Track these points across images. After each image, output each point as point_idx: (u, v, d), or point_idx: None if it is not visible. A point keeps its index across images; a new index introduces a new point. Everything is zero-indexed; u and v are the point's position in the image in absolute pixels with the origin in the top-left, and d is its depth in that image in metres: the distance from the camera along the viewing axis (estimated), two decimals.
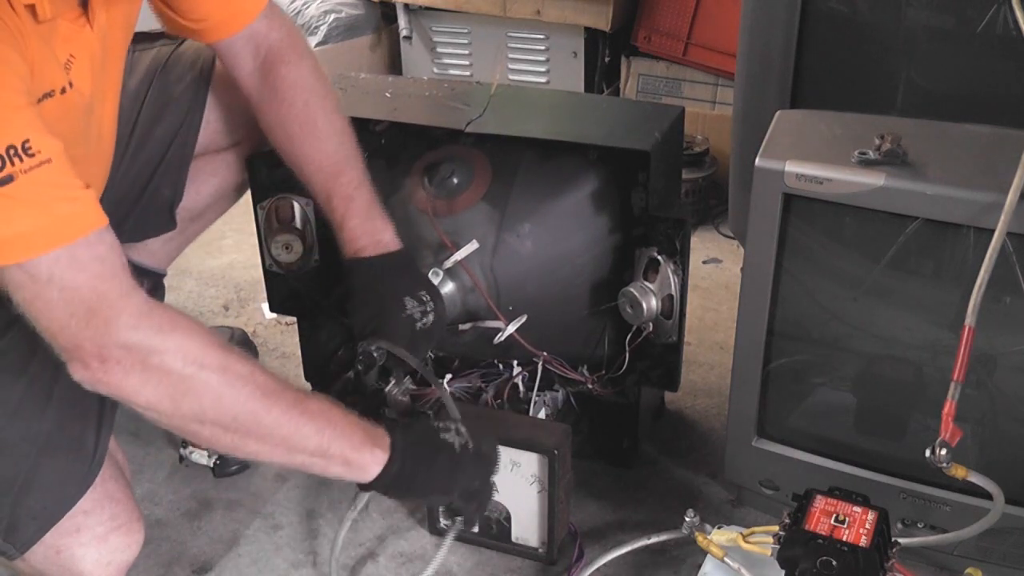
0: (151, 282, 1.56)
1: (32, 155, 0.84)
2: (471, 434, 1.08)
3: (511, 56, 2.55)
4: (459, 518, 1.14)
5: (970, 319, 0.97)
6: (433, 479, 1.05)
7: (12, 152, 0.83)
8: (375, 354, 1.25)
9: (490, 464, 1.11)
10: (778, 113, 1.19)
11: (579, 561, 1.26)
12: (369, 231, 1.22)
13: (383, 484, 1.02)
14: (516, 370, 1.41)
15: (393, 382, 1.37)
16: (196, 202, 1.45)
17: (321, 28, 2.52)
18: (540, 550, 1.27)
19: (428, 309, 1.22)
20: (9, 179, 0.83)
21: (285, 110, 1.23)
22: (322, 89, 1.26)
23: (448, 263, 1.30)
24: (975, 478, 1.03)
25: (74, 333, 0.89)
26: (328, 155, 1.23)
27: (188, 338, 0.92)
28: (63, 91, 1.00)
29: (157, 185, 1.36)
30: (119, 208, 1.22)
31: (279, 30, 1.24)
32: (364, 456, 1.00)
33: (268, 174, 1.44)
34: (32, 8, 0.93)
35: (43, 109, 0.97)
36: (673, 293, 1.27)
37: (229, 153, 1.44)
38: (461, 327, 1.35)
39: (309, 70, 1.25)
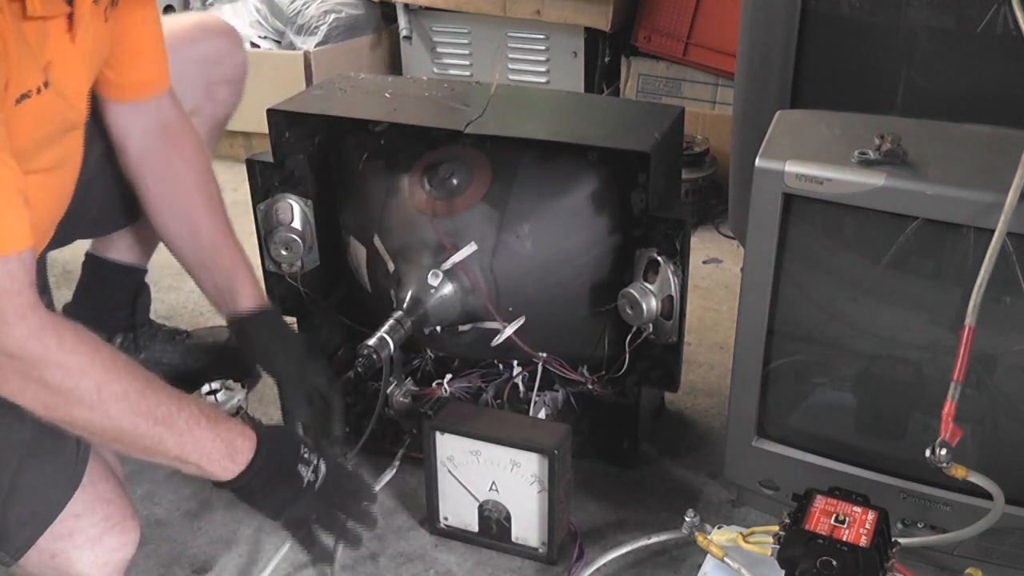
0: (134, 282, 1.56)
1: None
2: (327, 476, 1.12)
3: (511, 56, 2.55)
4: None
5: (970, 319, 0.97)
6: (273, 500, 1.10)
7: None
8: (375, 355, 1.26)
9: (336, 500, 1.14)
10: (778, 113, 1.19)
11: (579, 561, 1.26)
12: (253, 294, 1.32)
13: (228, 488, 1.08)
14: (516, 370, 1.41)
15: (394, 383, 1.37)
16: None
17: (321, 28, 2.52)
18: (540, 550, 1.27)
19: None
20: None
21: (180, 192, 1.31)
22: (209, 176, 1.33)
23: (447, 264, 1.30)
24: (975, 478, 1.02)
25: None
26: (209, 238, 1.31)
27: (72, 355, 0.95)
28: (39, 91, 0.99)
29: (118, 174, 1.35)
30: (80, 202, 1.22)
31: (176, 111, 1.30)
32: (215, 468, 1.05)
33: (267, 174, 1.44)
34: (22, 3, 0.93)
35: (20, 111, 0.97)
36: (673, 294, 1.27)
37: None
38: (461, 328, 1.35)
39: (197, 153, 1.32)
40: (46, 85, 1.00)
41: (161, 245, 1.56)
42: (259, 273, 1.49)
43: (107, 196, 1.36)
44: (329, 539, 1.16)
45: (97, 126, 1.25)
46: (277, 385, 1.33)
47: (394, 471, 1.39)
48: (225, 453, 1.05)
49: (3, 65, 0.92)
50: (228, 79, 1.47)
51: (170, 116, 1.30)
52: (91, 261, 1.55)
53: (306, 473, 1.10)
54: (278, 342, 1.31)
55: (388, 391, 1.36)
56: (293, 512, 1.11)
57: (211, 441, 1.04)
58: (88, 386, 0.95)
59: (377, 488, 1.37)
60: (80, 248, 1.52)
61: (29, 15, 0.94)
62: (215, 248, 1.31)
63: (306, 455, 1.11)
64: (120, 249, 1.53)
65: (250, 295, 1.31)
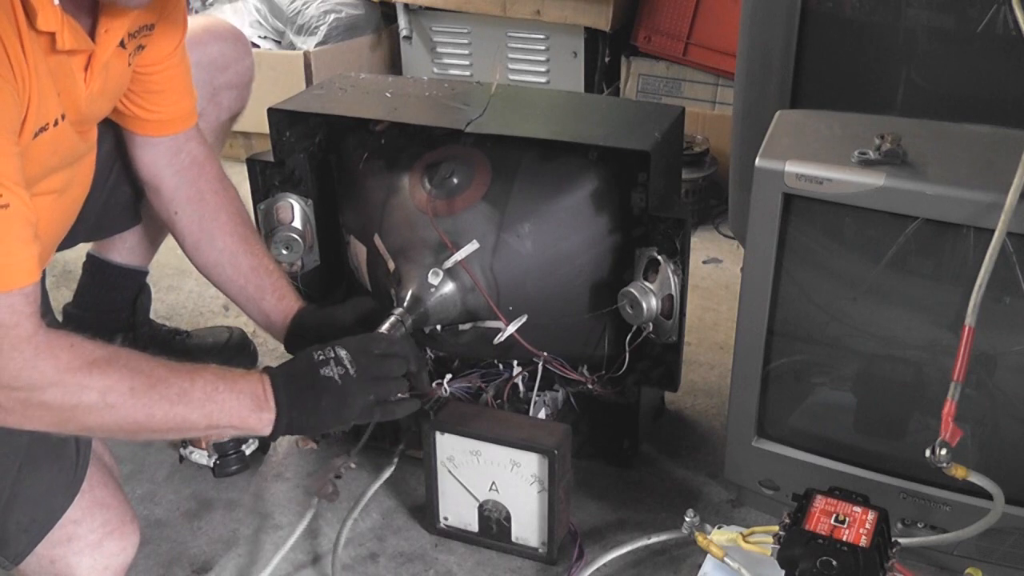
0: (135, 283, 1.57)
1: None
2: (352, 357, 1.09)
3: (511, 56, 2.55)
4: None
5: (970, 319, 0.97)
6: (323, 417, 1.08)
7: None
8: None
9: (378, 376, 1.11)
10: (778, 113, 1.20)
11: (579, 561, 1.26)
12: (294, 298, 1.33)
13: (280, 433, 1.07)
14: (516, 370, 1.41)
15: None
16: None
17: (321, 28, 2.52)
18: (540, 550, 1.27)
19: None
20: None
21: (215, 223, 1.32)
22: (237, 201, 1.35)
23: (448, 263, 1.30)
24: (975, 478, 1.03)
25: None
26: (249, 268, 1.33)
27: (68, 374, 0.95)
28: (55, 123, 1.01)
29: (117, 181, 1.36)
30: (84, 207, 1.22)
31: (200, 143, 1.32)
32: (252, 422, 1.05)
33: (268, 174, 1.44)
34: (52, 36, 0.94)
35: (37, 143, 0.98)
36: (673, 293, 1.27)
37: None
38: (461, 327, 1.35)
39: (225, 184, 1.34)
40: (63, 118, 1.01)
41: (162, 246, 1.57)
42: None
43: (108, 201, 1.37)
44: (405, 397, 1.13)
45: (100, 134, 1.25)
46: None
47: (393, 468, 1.39)
48: (252, 406, 1.04)
49: (26, 100, 0.94)
50: (234, 84, 1.47)
51: (196, 149, 1.31)
52: (92, 262, 1.55)
53: (333, 371, 1.07)
54: (329, 326, 1.28)
55: None
56: (350, 412, 1.08)
57: (235, 400, 1.03)
58: (91, 397, 0.95)
59: (376, 486, 1.37)
60: (81, 249, 1.52)
61: (58, 48, 0.95)
62: (255, 274, 1.32)
63: (320, 356, 1.09)
64: (121, 251, 1.53)
65: (295, 308, 1.32)
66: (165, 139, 1.28)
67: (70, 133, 1.05)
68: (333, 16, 2.54)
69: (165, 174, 1.30)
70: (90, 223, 1.34)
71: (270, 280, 1.32)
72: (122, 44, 1.08)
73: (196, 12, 2.68)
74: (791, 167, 1.08)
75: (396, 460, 1.40)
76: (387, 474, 1.39)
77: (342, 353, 1.09)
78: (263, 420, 1.05)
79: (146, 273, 1.58)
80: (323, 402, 1.07)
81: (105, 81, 1.08)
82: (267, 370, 1.08)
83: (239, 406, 1.04)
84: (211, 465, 1.38)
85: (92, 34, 1.02)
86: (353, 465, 1.33)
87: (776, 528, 1.05)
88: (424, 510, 1.33)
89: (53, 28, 0.93)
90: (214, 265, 1.32)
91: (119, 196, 1.38)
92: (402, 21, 2.63)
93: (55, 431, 0.97)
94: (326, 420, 1.08)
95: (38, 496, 1.03)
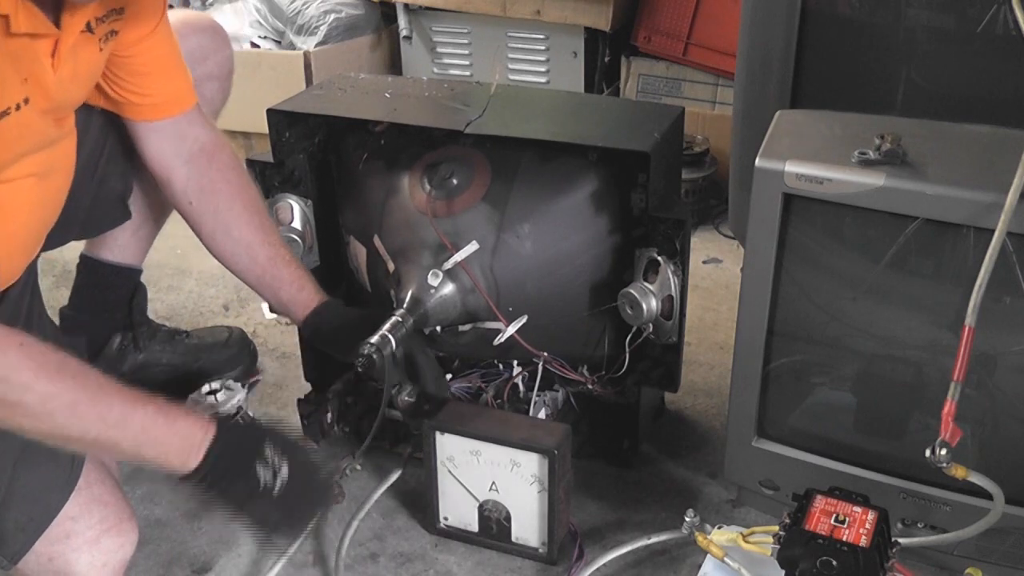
0: (130, 282, 1.56)
1: None
2: (288, 481, 1.09)
3: (511, 56, 2.55)
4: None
5: (970, 319, 0.97)
6: (226, 497, 1.08)
7: None
8: (376, 354, 1.26)
9: (294, 511, 1.12)
10: (778, 113, 1.19)
11: (579, 561, 1.26)
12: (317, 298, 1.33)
13: (187, 483, 1.06)
14: (516, 370, 1.41)
15: (398, 383, 1.37)
16: (152, 189, 1.43)
17: (321, 28, 2.52)
18: (540, 550, 1.27)
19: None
20: None
21: (227, 219, 1.32)
22: (251, 188, 1.35)
23: (448, 264, 1.30)
24: (975, 478, 1.03)
25: None
26: (265, 256, 1.33)
27: (14, 371, 0.95)
28: (17, 108, 0.99)
29: (104, 175, 1.35)
30: (70, 204, 1.22)
31: (206, 127, 1.32)
32: (175, 463, 1.04)
33: (267, 174, 1.44)
34: (6, 19, 0.92)
35: (2, 126, 0.97)
36: (673, 294, 1.27)
37: None
38: (461, 328, 1.35)
39: (238, 171, 1.34)
40: (26, 102, 1.00)
41: (156, 244, 1.57)
42: None
43: (97, 196, 1.36)
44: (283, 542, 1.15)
45: (83, 128, 1.25)
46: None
47: (399, 474, 1.39)
48: (182, 448, 1.03)
49: None
50: (214, 75, 1.46)
51: (203, 135, 1.31)
52: (85, 263, 1.55)
53: (264, 474, 1.07)
54: (347, 329, 1.30)
55: (393, 391, 1.36)
56: (252, 511, 1.09)
57: (167, 438, 1.02)
58: (32, 399, 0.95)
59: (382, 490, 1.37)
60: (78, 249, 1.52)
61: (13, 31, 0.93)
62: (273, 265, 1.32)
63: (268, 455, 1.08)
64: (114, 250, 1.52)
65: (315, 300, 1.32)
66: (166, 123, 1.27)
67: (36, 118, 1.03)
68: (333, 16, 2.54)
69: (174, 164, 1.30)
70: (80, 219, 1.34)
71: (288, 271, 1.32)
72: (89, 29, 1.06)
73: (196, 11, 2.68)
74: (791, 167, 1.08)
75: (404, 466, 1.40)
76: (394, 478, 1.39)
77: (284, 471, 1.08)
78: (185, 465, 1.04)
79: (140, 271, 1.58)
80: (236, 487, 1.07)
81: (75, 66, 1.06)
82: (218, 425, 1.06)
83: (169, 445, 1.03)
84: None
85: (58, 20, 1.00)
86: (359, 467, 1.33)
87: (776, 528, 1.05)
88: (424, 510, 1.33)
89: (6, 11, 0.91)
90: (231, 255, 1.33)
91: (107, 191, 1.38)
92: (402, 21, 2.63)
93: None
94: (227, 502, 1.08)
95: (34, 493, 1.03)
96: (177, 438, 1.03)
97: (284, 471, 1.08)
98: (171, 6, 2.62)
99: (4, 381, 0.93)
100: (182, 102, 1.28)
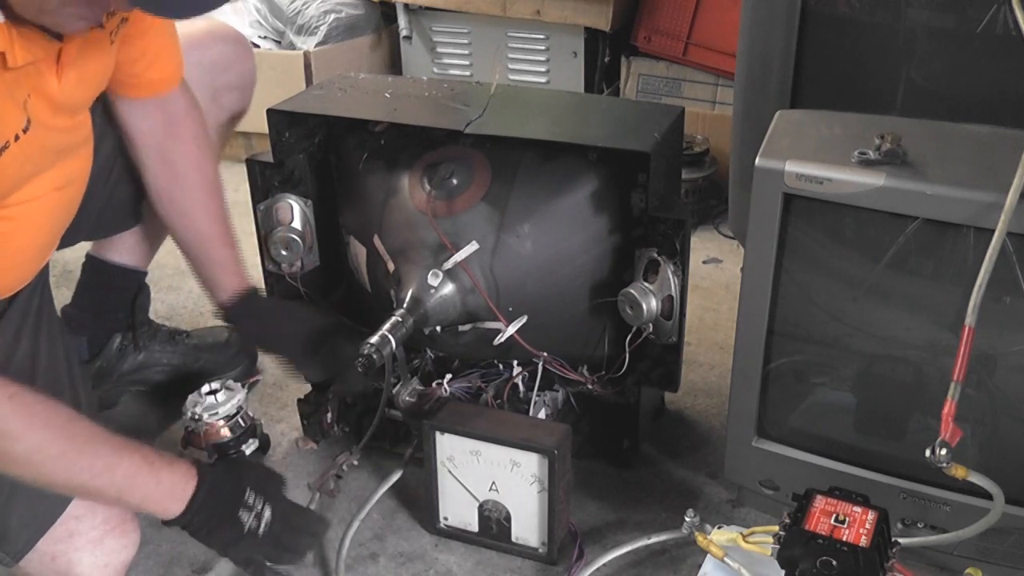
0: (134, 284, 1.57)
1: None
2: (272, 519, 1.13)
3: (511, 56, 2.55)
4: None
5: (970, 319, 0.97)
6: (213, 542, 1.12)
7: None
8: (376, 354, 1.26)
9: (276, 550, 1.14)
10: (778, 113, 1.19)
11: (579, 561, 1.26)
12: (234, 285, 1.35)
13: (175, 526, 1.10)
14: (516, 370, 1.41)
15: (399, 383, 1.37)
16: None
17: (321, 28, 2.52)
18: (540, 550, 1.27)
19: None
20: None
21: (178, 183, 1.33)
22: (206, 170, 1.35)
23: (448, 264, 1.30)
24: (975, 478, 1.02)
25: None
26: (202, 232, 1.34)
27: (3, 421, 0.97)
28: (16, 138, 0.98)
29: (118, 179, 1.36)
30: (83, 207, 1.22)
31: (183, 100, 1.32)
32: (158, 509, 1.08)
33: (267, 174, 1.44)
34: (2, 56, 0.91)
35: (2, 162, 0.97)
36: (673, 294, 1.27)
37: None
38: (461, 328, 1.35)
39: (197, 146, 1.34)
40: (24, 131, 0.99)
41: (162, 247, 1.57)
42: (259, 273, 1.49)
43: (109, 201, 1.37)
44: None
45: (100, 134, 1.25)
46: (284, 364, 1.36)
47: (400, 474, 1.39)
48: (166, 495, 1.07)
49: None
50: (235, 85, 1.47)
51: (177, 109, 1.31)
52: (91, 262, 1.55)
53: (247, 519, 1.11)
54: (265, 321, 1.33)
55: (393, 391, 1.36)
56: (237, 553, 1.13)
57: (153, 487, 1.06)
58: (20, 449, 0.97)
59: (382, 491, 1.37)
60: (81, 249, 1.52)
61: (10, 67, 0.93)
62: (205, 241, 1.33)
63: (250, 500, 1.12)
64: (121, 251, 1.53)
65: (231, 287, 1.33)
66: (147, 100, 1.28)
67: (41, 137, 1.02)
68: (333, 16, 2.54)
69: (141, 130, 1.30)
70: (91, 221, 1.34)
71: (223, 252, 1.33)
72: (99, 23, 1.04)
73: None
74: (791, 167, 1.08)
75: (404, 466, 1.40)
76: (394, 478, 1.39)
77: (267, 513, 1.12)
78: (168, 511, 1.07)
79: (145, 274, 1.58)
80: (220, 532, 1.10)
81: (82, 69, 1.05)
82: (200, 470, 1.10)
83: (153, 493, 1.06)
84: (212, 465, 1.38)
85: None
86: (355, 462, 1.33)
87: (776, 528, 1.05)
88: (424, 510, 1.33)
89: (1, 48, 0.90)
90: (172, 222, 1.34)
91: (120, 195, 1.38)
92: (402, 21, 2.63)
93: None
94: (216, 543, 1.12)
95: (38, 492, 1.03)
96: (160, 488, 1.06)
97: (267, 514, 1.12)
98: None
99: None
100: (172, 81, 1.29)
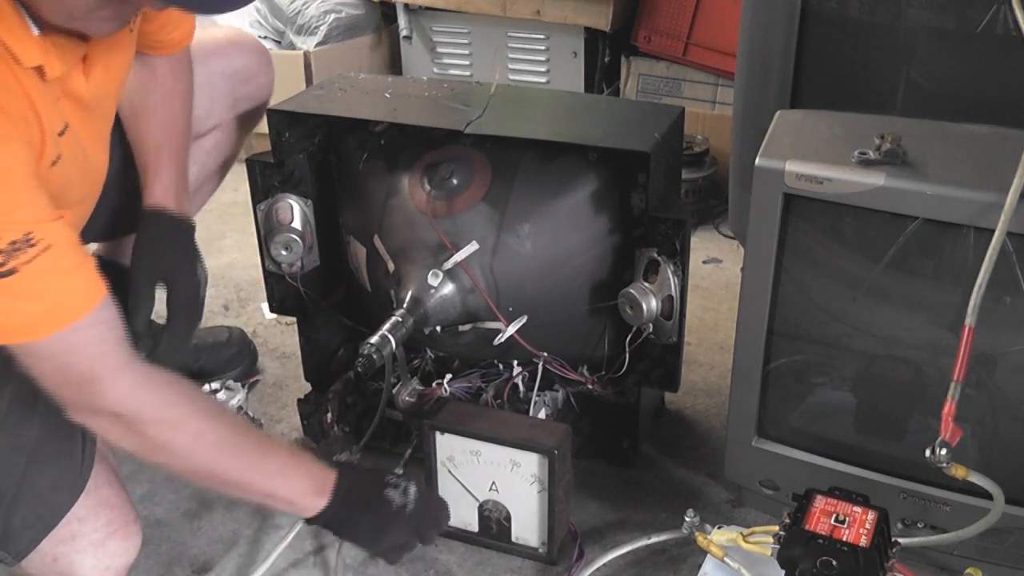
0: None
1: (34, 244, 0.88)
2: (418, 497, 1.15)
3: (511, 56, 2.55)
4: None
5: (970, 319, 0.97)
6: (360, 532, 1.13)
7: (14, 246, 0.87)
8: (376, 354, 1.26)
9: (425, 526, 1.16)
10: (778, 113, 1.19)
11: (579, 561, 1.26)
12: (176, 197, 1.29)
13: (318, 522, 1.11)
14: (516, 370, 1.41)
15: (399, 383, 1.37)
16: None
17: (321, 28, 2.52)
18: (540, 550, 1.27)
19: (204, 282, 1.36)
20: (11, 272, 0.87)
21: (151, 85, 1.28)
22: (184, 87, 1.31)
23: (448, 264, 1.30)
24: (975, 478, 1.03)
25: (67, 396, 0.96)
26: (160, 134, 1.29)
27: (171, 409, 0.99)
28: (61, 133, 0.99)
29: (128, 181, 1.36)
30: (98, 210, 1.22)
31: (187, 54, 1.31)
32: (306, 503, 1.09)
33: (267, 174, 1.44)
34: (40, 69, 0.92)
35: (53, 174, 0.98)
36: (673, 294, 1.27)
37: (206, 139, 1.44)
38: (461, 328, 1.35)
39: (184, 69, 1.31)
40: (65, 129, 1.00)
41: None
42: (258, 273, 1.49)
43: (119, 203, 1.36)
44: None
45: (116, 139, 1.25)
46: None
47: (401, 472, 1.39)
48: (312, 488, 1.09)
49: (38, 136, 0.94)
50: (253, 97, 1.47)
51: (182, 55, 1.29)
52: (100, 264, 1.55)
53: (395, 496, 1.12)
54: (147, 243, 1.28)
55: (393, 391, 1.36)
56: (388, 537, 1.13)
57: (298, 479, 1.08)
58: (184, 439, 1.00)
59: None
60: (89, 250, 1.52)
61: (48, 79, 0.94)
62: (147, 144, 1.28)
63: (391, 479, 1.14)
64: (129, 254, 1.52)
65: (151, 200, 1.28)
66: (157, 57, 1.26)
67: (73, 144, 1.03)
68: (333, 16, 2.54)
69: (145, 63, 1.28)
70: (100, 224, 1.34)
71: (159, 161, 1.28)
72: None
73: None
74: (791, 167, 1.08)
75: (404, 466, 1.40)
76: None
77: (412, 489, 1.14)
78: (315, 504, 1.09)
79: None
80: (369, 517, 1.12)
81: (107, 63, 1.06)
82: (338, 466, 1.12)
83: (301, 486, 1.08)
84: None
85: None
86: (355, 462, 1.33)
87: (776, 528, 1.05)
88: None
89: (39, 61, 0.92)
90: (128, 122, 1.29)
91: (134, 200, 1.38)
92: (402, 21, 2.63)
93: (135, 456, 1.01)
94: (361, 534, 1.13)
95: (43, 493, 1.03)
96: (308, 478, 1.09)
97: (412, 489, 1.14)
98: None
99: (160, 421, 0.98)
100: (180, 44, 1.27)
